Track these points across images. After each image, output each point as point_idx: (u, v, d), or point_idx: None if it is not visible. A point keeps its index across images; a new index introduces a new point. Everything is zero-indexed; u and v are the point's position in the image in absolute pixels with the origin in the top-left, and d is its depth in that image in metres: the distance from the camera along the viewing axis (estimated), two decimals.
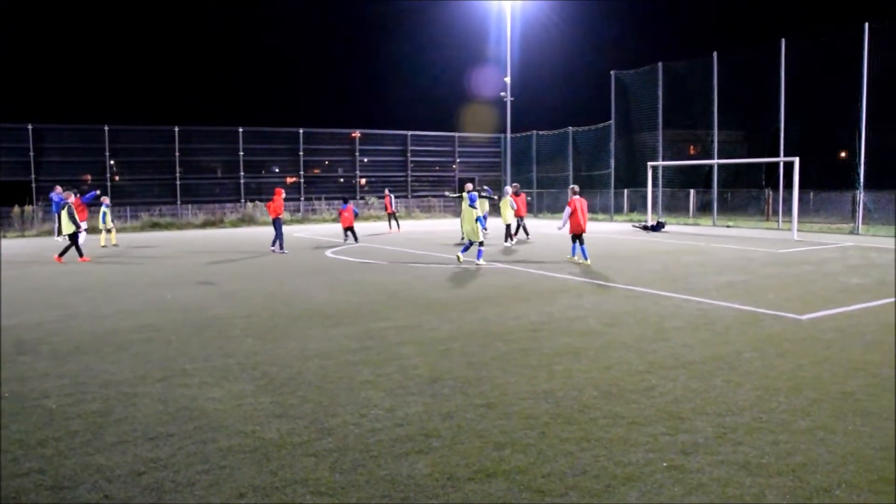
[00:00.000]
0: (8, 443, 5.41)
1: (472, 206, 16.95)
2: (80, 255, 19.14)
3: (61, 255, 18.99)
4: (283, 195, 22.64)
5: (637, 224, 30.33)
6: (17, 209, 33.02)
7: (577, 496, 4.36)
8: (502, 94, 44.26)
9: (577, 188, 17.84)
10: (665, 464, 4.82)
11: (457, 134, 47.33)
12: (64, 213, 19.04)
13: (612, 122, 37.55)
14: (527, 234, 24.53)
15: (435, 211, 44.63)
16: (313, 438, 5.37)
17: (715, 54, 31.66)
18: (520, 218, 23.80)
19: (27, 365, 7.84)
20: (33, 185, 37.28)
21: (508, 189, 23.18)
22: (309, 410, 6.01)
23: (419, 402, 6.20)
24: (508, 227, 22.10)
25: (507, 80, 43.81)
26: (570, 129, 41.28)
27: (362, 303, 11.58)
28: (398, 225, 30.99)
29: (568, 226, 17.06)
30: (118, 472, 4.83)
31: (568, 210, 16.93)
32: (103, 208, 24.97)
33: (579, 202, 17.03)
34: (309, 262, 18.23)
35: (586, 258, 16.60)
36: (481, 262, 16.35)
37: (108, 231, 24.79)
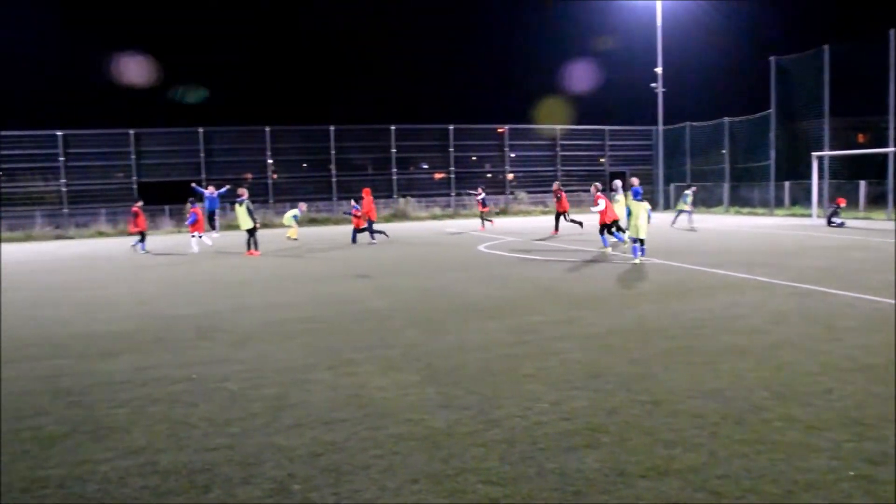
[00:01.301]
0: (198, 420, 5.84)
1: (638, 199, 15.87)
2: (255, 249, 20.33)
3: (250, 248, 20.29)
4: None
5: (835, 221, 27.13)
6: (188, 206, 35.23)
7: (757, 499, 4.20)
8: (653, 85, 43.13)
9: (600, 185, 20.30)
10: (852, 472, 4.55)
11: (607, 127, 46.48)
12: (242, 210, 20.28)
13: (771, 110, 35.75)
14: (579, 223, 25.77)
15: (586, 205, 44.12)
16: (480, 429, 5.45)
17: (892, 32, 29.40)
18: (564, 213, 25.12)
19: (208, 350, 8.42)
20: (204, 183, 39.81)
21: (618, 183, 22.26)
22: (474, 402, 6.10)
23: (583, 397, 6.16)
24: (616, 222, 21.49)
25: (659, 70, 42.65)
26: (727, 119, 39.71)
27: (516, 297, 11.63)
28: (488, 223, 30.18)
29: (598, 216, 19.30)
30: (298, 452, 5.09)
31: (602, 203, 19.02)
32: (293, 210, 26.42)
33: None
34: (461, 257, 18.50)
35: (622, 240, 19.08)
36: (637, 259, 15.72)
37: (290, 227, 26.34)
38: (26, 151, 39.54)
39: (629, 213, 15.93)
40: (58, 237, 36.06)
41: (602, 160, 47.07)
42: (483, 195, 30.28)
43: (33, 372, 7.67)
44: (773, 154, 35.93)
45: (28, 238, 35.47)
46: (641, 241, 15.67)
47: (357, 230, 23.99)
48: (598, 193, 19.56)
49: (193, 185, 30.69)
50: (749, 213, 36.31)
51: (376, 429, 5.51)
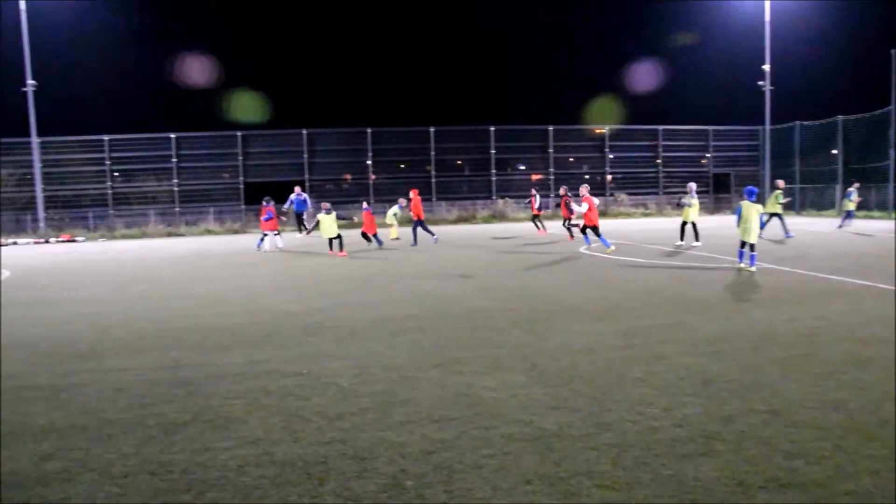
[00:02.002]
0: (311, 413, 5.98)
1: (752, 201, 14.73)
2: (341, 250, 20.83)
3: (332, 248, 20.89)
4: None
5: None
6: (263, 204, 36.31)
7: None
8: (760, 83, 41.75)
9: (588, 187, 20.26)
10: None
11: (710, 127, 45.25)
12: (331, 218, 20.93)
13: (892, 107, 34.00)
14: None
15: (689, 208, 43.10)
16: (592, 432, 5.38)
17: None
18: (567, 220, 24.52)
19: (316, 346, 8.61)
20: (307, 184, 40.91)
21: (693, 185, 21.33)
22: (584, 404, 6.03)
23: (696, 404, 6.00)
24: (685, 225, 20.65)
25: (766, 67, 41.24)
26: (840, 117, 38.01)
27: (621, 300, 11.44)
28: (544, 227, 29.34)
29: (582, 219, 19.70)
30: (409, 449, 5.14)
31: (585, 205, 19.27)
32: (393, 207, 26.90)
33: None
34: (562, 259, 18.34)
35: (607, 245, 19.38)
36: (753, 267, 14.60)
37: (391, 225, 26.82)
38: (141, 153, 41.48)
39: (740, 216, 14.75)
40: (169, 234, 37.64)
41: (703, 161, 45.86)
42: (538, 199, 29.85)
43: (155, 362, 8.02)
44: (892, 154, 34.18)
45: (143, 235, 37.17)
46: (752, 247, 14.65)
47: (364, 234, 23.90)
48: (587, 195, 19.59)
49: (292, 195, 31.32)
50: (864, 217, 34.63)
51: (486, 428, 5.51)
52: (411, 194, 24.94)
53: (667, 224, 32.29)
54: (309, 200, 31.94)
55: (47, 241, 35.46)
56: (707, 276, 14.21)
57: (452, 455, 5.00)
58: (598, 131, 45.14)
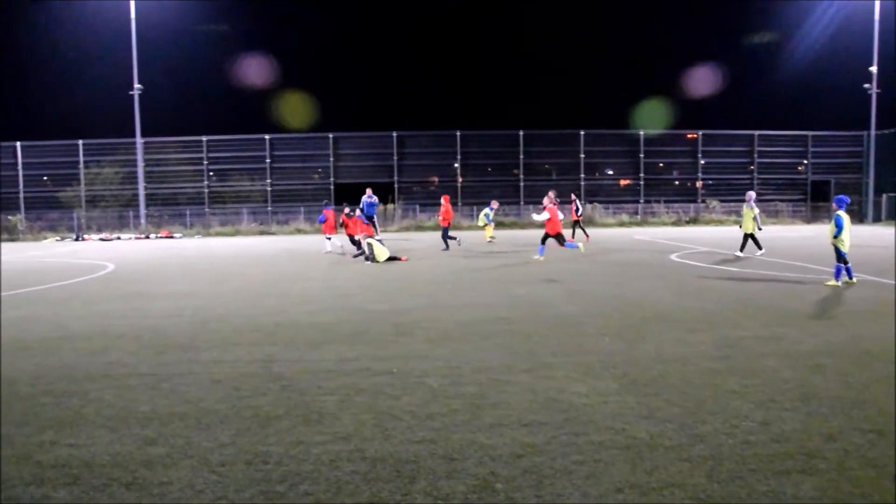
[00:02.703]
0: (402, 412, 6.05)
1: (843, 209, 13.98)
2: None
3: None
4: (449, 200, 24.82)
5: None
6: (380, 207, 36.80)
7: None
8: (866, 86, 40.06)
9: (553, 195, 19.83)
10: None
11: (810, 132, 43.69)
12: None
13: None
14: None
15: (783, 216, 41.75)
16: (685, 443, 5.26)
17: None
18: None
19: (406, 346, 8.70)
20: (395, 185, 41.42)
21: (752, 194, 20.35)
22: (676, 414, 5.90)
23: (795, 419, 5.79)
24: (748, 236, 19.85)
25: (874, 69, 39.54)
26: None
27: (714, 309, 11.15)
28: (585, 233, 28.41)
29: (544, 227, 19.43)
30: (499, 451, 5.13)
31: (546, 214, 19.12)
32: (487, 209, 26.96)
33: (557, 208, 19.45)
34: (653, 266, 18.02)
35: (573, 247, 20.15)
36: (839, 282, 13.85)
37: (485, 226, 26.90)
38: (237, 154, 42.77)
39: (840, 226, 13.71)
40: (261, 233, 38.66)
41: (801, 168, 44.34)
42: (578, 204, 29.06)
43: (250, 356, 8.26)
44: None
45: (236, 233, 38.27)
46: (845, 258, 13.78)
47: (351, 238, 23.25)
48: (549, 204, 19.30)
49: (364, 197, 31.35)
50: None
51: (577, 434, 5.46)
52: (442, 200, 24.89)
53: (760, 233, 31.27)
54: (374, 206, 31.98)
55: (147, 237, 36.96)
56: (805, 287, 13.70)
57: (542, 460, 4.97)
58: (689, 136, 44.20)
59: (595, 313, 10.88)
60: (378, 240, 23.25)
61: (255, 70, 54.99)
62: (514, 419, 5.82)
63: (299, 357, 8.20)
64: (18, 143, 42.83)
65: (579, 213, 28.94)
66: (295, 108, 49.37)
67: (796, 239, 23.40)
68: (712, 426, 5.62)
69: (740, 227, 20.20)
